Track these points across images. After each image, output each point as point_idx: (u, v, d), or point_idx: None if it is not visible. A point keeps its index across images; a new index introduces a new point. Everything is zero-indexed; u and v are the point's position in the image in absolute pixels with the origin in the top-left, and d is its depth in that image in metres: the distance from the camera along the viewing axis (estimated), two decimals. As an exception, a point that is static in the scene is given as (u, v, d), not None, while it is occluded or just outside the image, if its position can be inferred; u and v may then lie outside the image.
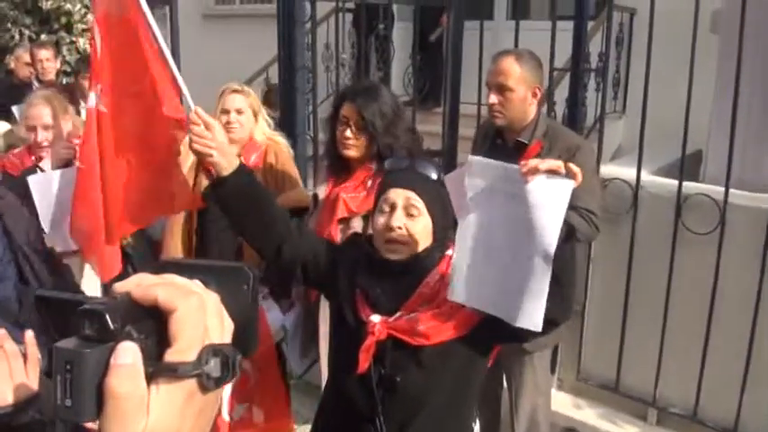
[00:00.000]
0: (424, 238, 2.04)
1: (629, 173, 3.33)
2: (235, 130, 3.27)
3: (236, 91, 3.35)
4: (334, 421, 2.24)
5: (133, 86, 2.65)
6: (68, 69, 6.61)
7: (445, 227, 2.10)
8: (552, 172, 1.74)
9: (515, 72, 2.83)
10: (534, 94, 2.87)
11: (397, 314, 2.01)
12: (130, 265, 3.63)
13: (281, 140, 3.45)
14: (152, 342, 0.61)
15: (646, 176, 3.32)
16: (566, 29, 3.58)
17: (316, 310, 2.98)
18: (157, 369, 0.60)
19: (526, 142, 2.85)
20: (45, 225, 2.91)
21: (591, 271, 3.49)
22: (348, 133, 2.72)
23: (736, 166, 3.06)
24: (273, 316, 3.17)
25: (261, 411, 3.18)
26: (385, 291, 2.03)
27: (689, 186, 3.18)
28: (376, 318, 2.01)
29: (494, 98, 2.86)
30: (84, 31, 6.76)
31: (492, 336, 2.01)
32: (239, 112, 3.30)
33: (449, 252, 2.06)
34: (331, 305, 2.29)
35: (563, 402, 3.52)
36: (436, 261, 2.05)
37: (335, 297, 2.20)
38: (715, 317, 3.09)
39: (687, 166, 3.23)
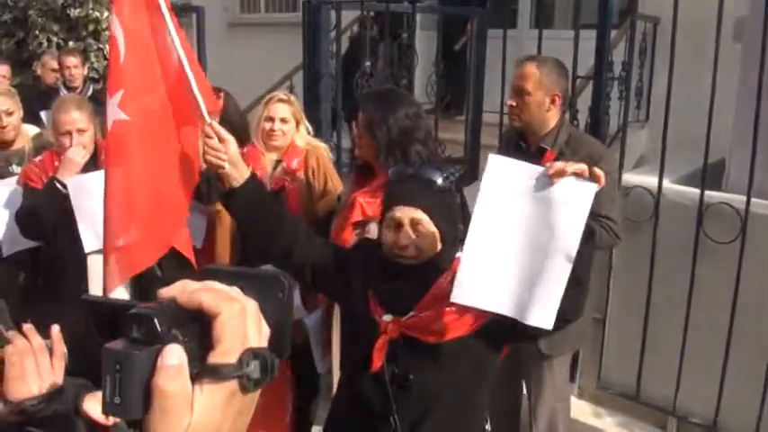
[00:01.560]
0: (433, 247, 2.09)
1: (650, 181, 3.33)
2: (278, 137, 3.41)
3: (281, 100, 3.47)
4: (348, 419, 2.29)
5: (156, 94, 2.68)
6: (96, 76, 6.70)
7: (453, 231, 2.15)
8: (577, 175, 1.78)
9: (534, 77, 2.88)
10: (553, 101, 2.90)
11: (410, 314, 2.05)
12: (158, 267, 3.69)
13: (322, 145, 3.56)
14: (195, 345, 0.65)
15: (667, 185, 3.32)
16: (590, 38, 3.60)
17: (329, 316, 3.03)
18: (202, 370, 0.64)
19: (548, 148, 2.88)
20: (81, 225, 3.06)
21: (612, 279, 3.49)
22: (355, 135, 2.79)
23: (758, 175, 3.06)
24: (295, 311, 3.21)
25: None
26: (397, 291, 2.08)
27: (710, 195, 3.17)
28: (388, 317, 2.06)
29: (512, 101, 2.94)
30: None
31: (502, 334, 2.05)
32: (284, 121, 3.43)
33: (459, 254, 2.10)
34: (342, 307, 2.36)
35: (583, 410, 3.52)
36: (449, 262, 2.09)
37: (347, 299, 2.26)
38: (736, 326, 3.08)
39: (710, 175, 3.23)
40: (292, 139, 3.49)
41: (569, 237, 1.80)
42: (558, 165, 1.80)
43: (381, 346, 2.06)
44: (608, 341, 3.51)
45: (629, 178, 3.44)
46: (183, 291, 0.66)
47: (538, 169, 1.84)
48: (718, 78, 3.15)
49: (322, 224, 3.37)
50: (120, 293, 3.40)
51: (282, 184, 3.44)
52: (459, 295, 1.93)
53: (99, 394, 1.41)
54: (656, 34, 5.34)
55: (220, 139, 2.18)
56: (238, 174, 2.19)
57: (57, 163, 3.26)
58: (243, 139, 3.58)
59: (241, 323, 0.66)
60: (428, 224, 2.05)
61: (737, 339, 3.09)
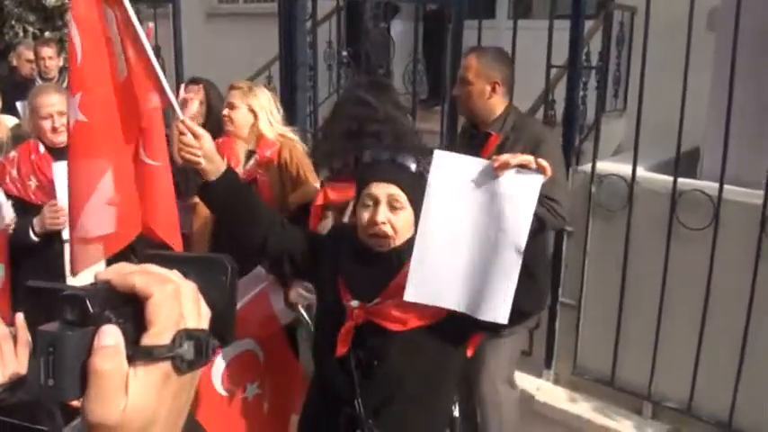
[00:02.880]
0: (407, 230, 2.11)
1: (625, 169, 3.36)
2: (228, 123, 3.41)
3: (232, 87, 3.48)
4: (317, 405, 2.34)
5: (110, 90, 2.69)
6: (72, 67, 6.64)
7: None
8: (522, 166, 1.79)
9: (474, 66, 3.03)
10: (494, 89, 3.03)
11: (375, 300, 2.08)
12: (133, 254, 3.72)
13: (294, 137, 3.56)
14: (130, 327, 0.65)
15: (642, 172, 3.35)
16: (564, 28, 3.62)
17: None
18: (135, 352, 0.64)
19: (493, 134, 3.01)
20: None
21: (586, 266, 3.52)
22: None
23: (731, 163, 3.09)
24: (277, 299, 3.22)
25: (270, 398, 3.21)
26: (366, 278, 2.11)
27: (684, 182, 3.21)
28: (355, 303, 2.09)
29: (456, 90, 3.11)
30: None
31: (464, 324, 2.05)
32: (231, 107, 3.43)
33: None
34: (317, 293, 2.39)
35: (559, 396, 3.56)
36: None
37: (319, 285, 2.31)
38: (709, 311, 3.12)
39: (685, 164, 3.27)
40: (260, 130, 3.49)
41: (517, 229, 1.81)
42: (503, 157, 1.81)
43: (346, 332, 2.09)
44: (583, 327, 3.54)
45: (604, 166, 3.47)
46: (118, 273, 0.66)
47: (483, 163, 1.85)
48: (694, 67, 3.18)
49: (297, 216, 3.38)
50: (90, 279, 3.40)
51: (254, 176, 3.45)
52: (412, 294, 1.94)
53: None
54: (633, 24, 5.37)
55: (195, 136, 2.19)
56: (214, 168, 2.20)
57: (33, 156, 3.24)
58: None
59: (175, 304, 0.66)
60: (405, 202, 2.08)
61: (711, 324, 3.13)
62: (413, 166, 2.12)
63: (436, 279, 1.91)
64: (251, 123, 3.46)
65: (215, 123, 3.76)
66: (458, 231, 1.89)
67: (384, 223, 2.06)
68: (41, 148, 3.23)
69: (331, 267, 2.21)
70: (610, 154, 4.59)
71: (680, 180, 3.19)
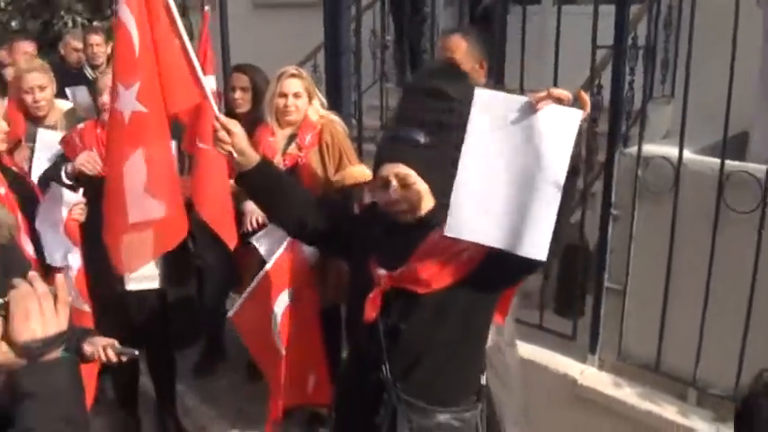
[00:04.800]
0: (426, 200, 2.21)
1: (671, 151, 3.32)
2: (292, 113, 3.47)
3: (293, 75, 3.53)
4: (348, 372, 2.51)
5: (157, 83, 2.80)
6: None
7: (444, 185, 2.18)
8: (560, 101, 1.81)
9: (462, 47, 3.10)
10: (481, 66, 3.16)
11: (402, 267, 2.16)
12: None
13: (336, 119, 3.60)
14: None
15: (688, 155, 3.30)
16: (610, 12, 3.57)
17: None
18: None
19: None
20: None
21: (632, 250, 3.49)
22: None
23: (780, 145, 3.04)
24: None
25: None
26: (394, 249, 2.20)
27: (731, 165, 3.15)
28: (382, 271, 2.19)
29: None
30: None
31: (492, 277, 2.12)
32: (296, 95, 3.50)
33: None
34: (349, 267, 2.53)
35: (603, 382, 3.54)
36: (442, 219, 2.14)
37: (351, 258, 2.43)
38: (756, 296, 3.07)
39: (734, 148, 3.21)
40: (306, 113, 3.54)
41: (556, 165, 1.83)
42: (542, 92, 1.83)
43: (374, 298, 2.19)
44: (628, 312, 3.50)
45: (650, 149, 3.42)
46: None
47: (522, 99, 1.88)
48: (744, 50, 3.12)
49: (344, 197, 3.43)
50: (150, 269, 3.50)
51: (296, 160, 3.49)
52: (453, 228, 1.97)
53: (96, 339, 2.04)
54: (681, 7, 5.27)
55: (228, 132, 2.28)
56: (247, 161, 2.31)
57: (99, 131, 3.42)
58: None
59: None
60: (414, 177, 2.16)
61: (758, 309, 3.08)
62: (420, 139, 2.16)
63: (476, 215, 1.94)
64: (306, 109, 3.52)
65: (261, 109, 3.83)
66: (498, 168, 1.92)
67: (398, 201, 2.17)
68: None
69: (362, 245, 2.31)
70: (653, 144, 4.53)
71: (727, 162, 3.14)
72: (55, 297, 1.38)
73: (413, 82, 2.78)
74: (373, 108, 4.73)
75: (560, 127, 1.83)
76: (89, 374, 3.29)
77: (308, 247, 3.25)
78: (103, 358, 2.35)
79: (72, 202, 3.22)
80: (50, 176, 3.39)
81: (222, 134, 2.28)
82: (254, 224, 3.50)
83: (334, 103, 3.99)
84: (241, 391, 4.36)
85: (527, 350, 3.69)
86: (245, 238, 3.53)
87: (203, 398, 4.37)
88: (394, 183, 2.17)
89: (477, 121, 1.91)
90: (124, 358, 2.39)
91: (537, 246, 1.87)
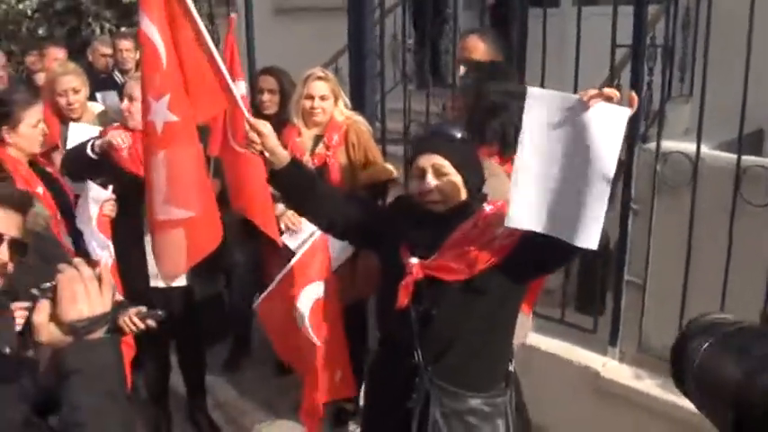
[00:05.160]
0: (457, 194, 2.31)
1: (688, 146, 3.39)
2: (319, 114, 3.57)
3: (319, 78, 3.63)
4: (380, 360, 2.58)
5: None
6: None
7: (476, 180, 2.35)
8: (609, 99, 1.91)
9: (480, 48, 3.21)
10: None
11: (434, 256, 2.26)
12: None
13: (360, 119, 3.70)
14: None
15: (706, 150, 3.37)
16: (628, 13, 3.63)
17: None
18: None
19: None
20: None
21: (651, 243, 3.56)
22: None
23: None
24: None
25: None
26: (425, 239, 2.30)
27: (748, 159, 3.22)
28: (414, 259, 2.28)
29: (462, 70, 3.20)
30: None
31: (520, 268, 2.24)
32: (323, 98, 3.60)
33: (485, 205, 2.27)
34: (379, 258, 2.59)
35: (624, 374, 3.60)
36: (473, 212, 2.26)
37: (383, 249, 2.50)
38: (774, 287, 3.13)
39: (749, 144, 3.27)
40: (332, 114, 3.64)
41: (606, 159, 1.94)
42: (592, 91, 1.93)
43: (407, 286, 2.28)
44: (648, 305, 3.57)
45: (669, 145, 3.50)
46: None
47: (573, 97, 1.98)
48: (761, 48, 3.18)
49: (371, 194, 3.54)
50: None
51: (324, 159, 3.60)
52: (513, 219, 2.09)
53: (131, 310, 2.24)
54: (698, 8, 5.33)
55: (258, 133, 2.38)
56: (278, 160, 2.41)
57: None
58: None
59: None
60: (449, 169, 2.26)
61: (776, 300, 3.14)
62: (458, 135, 2.29)
63: (532, 206, 2.06)
64: (332, 110, 3.62)
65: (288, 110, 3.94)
66: (552, 163, 2.03)
67: (431, 191, 2.27)
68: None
69: (392, 236, 2.40)
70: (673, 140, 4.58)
71: (744, 157, 3.21)
72: (99, 280, 1.46)
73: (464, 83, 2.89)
74: (394, 111, 4.82)
75: (610, 124, 1.93)
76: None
77: (336, 242, 3.36)
78: (132, 328, 2.41)
79: (102, 198, 3.34)
80: (76, 152, 3.49)
81: (252, 135, 2.38)
82: (289, 225, 3.60)
83: (358, 105, 4.09)
84: (270, 385, 4.46)
85: (549, 344, 3.77)
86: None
87: (233, 392, 4.47)
88: (430, 173, 2.26)
89: (531, 118, 2.03)
90: (151, 322, 2.43)
91: (589, 236, 2.00)
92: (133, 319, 2.40)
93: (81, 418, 1.36)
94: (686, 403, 3.30)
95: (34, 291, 1.44)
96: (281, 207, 3.63)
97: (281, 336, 3.48)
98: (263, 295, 3.47)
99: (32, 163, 3.33)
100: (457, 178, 2.28)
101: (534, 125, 2.02)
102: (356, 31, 4.10)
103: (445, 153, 2.27)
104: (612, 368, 3.62)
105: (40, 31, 7.16)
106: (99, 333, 1.44)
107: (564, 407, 3.66)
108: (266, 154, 2.39)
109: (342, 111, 3.68)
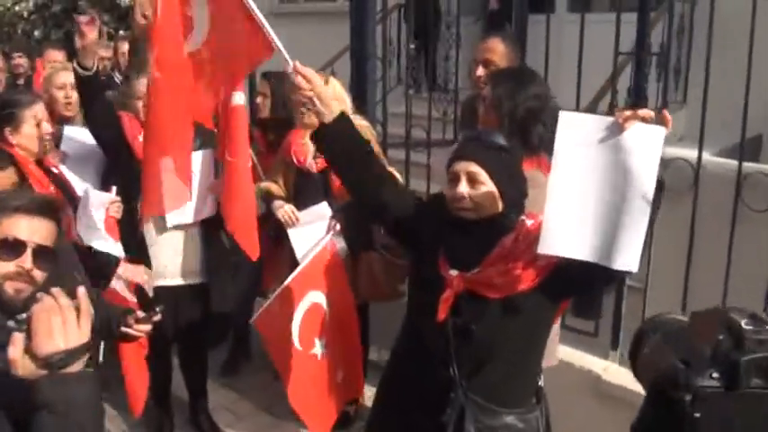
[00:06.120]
0: (492, 205, 2.22)
1: (690, 153, 3.42)
2: (304, 114, 3.55)
3: None
4: (410, 363, 2.45)
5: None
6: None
7: (515, 192, 2.27)
8: (644, 119, 1.91)
9: (500, 49, 3.18)
10: None
11: (475, 270, 2.19)
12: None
13: (363, 123, 3.69)
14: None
15: (707, 157, 3.41)
16: (626, 21, 3.67)
17: None
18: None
19: None
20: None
21: (652, 248, 3.58)
22: None
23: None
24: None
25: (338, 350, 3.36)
26: (464, 247, 2.23)
27: (748, 166, 3.27)
28: (454, 272, 2.21)
29: (480, 71, 3.20)
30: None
31: (562, 288, 2.20)
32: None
33: (524, 217, 2.24)
34: (412, 256, 2.51)
35: (625, 377, 3.61)
36: (513, 224, 2.22)
37: (418, 249, 2.41)
38: (774, 291, 3.17)
39: (748, 150, 3.31)
40: None
41: (644, 180, 1.93)
42: (627, 112, 1.94)
43: (447, 299, 2.20)
44: (649, 310, 3.60)
45: (669, 151, 3.52)
46: None
47: (607, 119, 1.97)
48: (757, 55, 3.23)
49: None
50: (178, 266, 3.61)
51: (327, 164, 3.60)
52: (546, 246, 2.05)
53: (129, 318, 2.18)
54: (693, 15, 5.38)
55: (306, 79, 2.28)
56: (328, 111, 2.30)
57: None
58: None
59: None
60: (485, 179, 2.19)
61: (776, 304, 3.18)
62: (500, 142, 2.23)
63: (568, 232, 2.03)
64: None
65: (285, 113, 3.95)
66: (587, 186, 2.00)
67: (464, 198, 2.20)
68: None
69: (431, 235, 2.33)
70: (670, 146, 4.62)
71: (744, 164, 3.25)
72: (77, 310, 1.41)
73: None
74: (394, 115, 4.83)
75: (646, 144, 1.93)
76: (140, 365, 3.40)
77: (340, 246, 3.36)
78: (137, 334, 2.38)
79: (106, 201, 3.34)
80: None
81: (300, 80, 2.27)
82: (286, 220, 3.59)
83: (359, 109, 4.11)
84: (269, 389, 4.45)
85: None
86: (276, 236, 3.65)
87: (232, 396, 4.47)
88: (464, 180, 2.20)
89: (564, 142, 2.01)
90: (155, 319, 2.38)
91: (630, 258, 1.97)
92: (135, 327, 2.38)
93: None
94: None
95: (10, 323, 1.40)
96: (279, 201, 3.64)
97: (279, 347, 3.44)
98: (261, 308, 3.45)
99: (39, 163, 3.31)
100: (492, 189, 2.20)
101: (567, 149, 2.00)
102: (359, 35, 4.12)
103: (482, 161, 2.19)
104: (614, 372, 3.64)
105: (36, 33, 7.11)
106: (76, 366, 1.38)
107: (565, 410, 3.66)
108: (316, 102, 2.27)
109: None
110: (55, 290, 1.41)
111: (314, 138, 2.43)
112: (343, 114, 2.34)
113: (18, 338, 1.34)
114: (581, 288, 2.32)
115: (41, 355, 1.34)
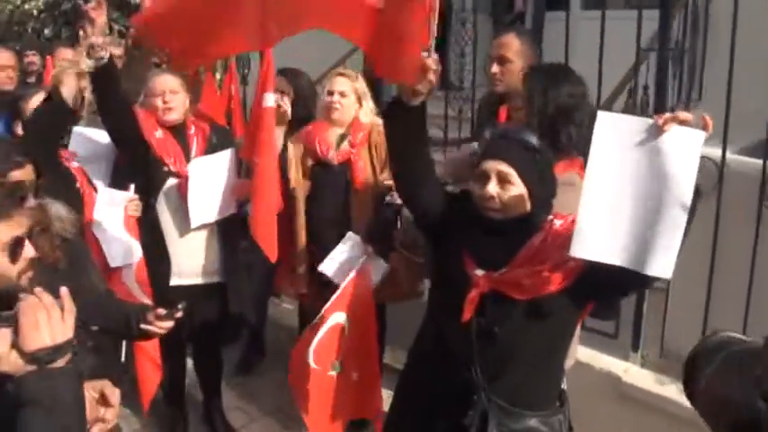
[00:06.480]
0: (520, 206, 2.18)
1: (713, 152, 3.37)
2: (336, 110, 3.55)
3: (341, 74, 3.61)
4: (430, 364, 2.42)
5: None
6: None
7: (545, 193, 2.23)
8: (684, 122, 1.86)
9: (515, 45, 3.14)
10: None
11: (502, 270, 2.15)
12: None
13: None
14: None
15: (730, 155, 3.35)
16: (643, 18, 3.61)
17: None
18: None
19: None
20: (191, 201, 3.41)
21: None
22: None
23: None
24: (376, 269, 3.37)
25: (354, 372, 3.30)
26: (490, 247, 2.19)
27: (771, 165, 3.21)
28: (480, 271, 2.17)
29: (495, 68, 3.18)
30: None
31: (590, 292, 2.16)
32: (342, 94, 3.57)
33: (554, 219, 2.19)
34: (436, 253, 2.45)
35: (646, 379, 3.58)
36: (540, 225, 2.18)
37: (441, 247, 2.37)
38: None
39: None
40: (357, 114, 3.62)
41: (682, 185, 1.88)
42: (666, 115, 1.89)
43: (473, 299, 2.17)
44: (671, 310, 3.55)
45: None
46: None
47: (646, 121, 1.93)
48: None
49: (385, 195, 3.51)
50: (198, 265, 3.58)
51: (348, 156, 3.58)
52: (579, 249, 2.01)
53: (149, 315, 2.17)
54: (708, 12, 5.32)
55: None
56: (424, 89, 2.12)
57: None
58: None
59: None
60: (515, 179, 2.14)
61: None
62: (533, 142, 2.18)
63: (601, 236, 1.98)
64: (355, 110, 3.58)
65: (305, 109, 3.91)
66: (623, 189, 1.96)
67: (492, 198, 2.15)
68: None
69: (457, 231, 2.29)
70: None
71: (768, 162, 3.20)
72: (61, 308, 1.45)
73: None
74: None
75: (685, 148, 1.89)
76: (154, 363, 3.37)
77: (375, 267, 3.31)
78: (157, 331, 2.34)
79: (124, 200, 3.30)
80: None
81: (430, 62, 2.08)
82: None
83: (375, 103, 4.06)
84: (284, 389, 4.40)
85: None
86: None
87: (245, 395, 4.43)
88: (494, 180, 2.15)
89: (601, 143, 1.97)
90: (178, 314, 2.34)
91: (664, 265, 1.94)
92: (155, 323, 2.34)
93: None
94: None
95: None
96: None
97: (296, 367, 3.38)
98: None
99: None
100: (522, 190, 2.16)
101: (604, 150, 1.96)
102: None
103: (514, 161, 2.14)
104: (634, 373, 3.60)
105: (46, 32, 7.07)
106: (61, 362, 1.41)
107: (585, 413, 3.62)
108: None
109: (367, 113, 3.65)
110: (38, 289, 1.46)
111: (386, 113, 2.32)
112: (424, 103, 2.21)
113: (5, 334, 1.38)
114: (609, 293, 2.29)
115: (29, 350, 1.38)
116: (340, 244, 3.45)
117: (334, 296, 3.24)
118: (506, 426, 2.21)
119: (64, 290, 1.48)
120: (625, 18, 3.56)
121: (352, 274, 3.27)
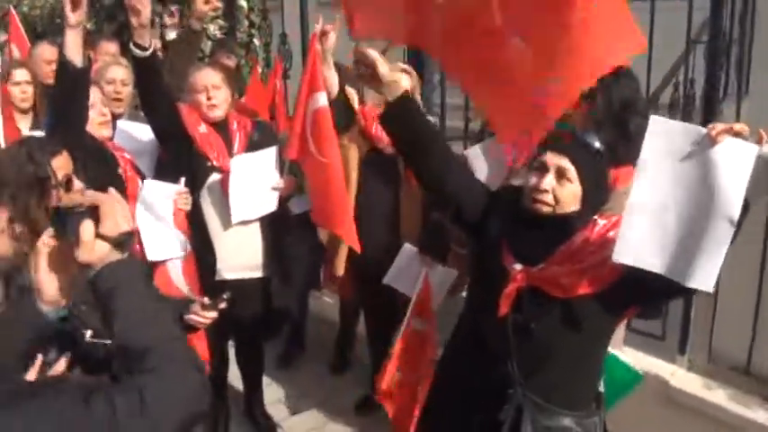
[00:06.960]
0: (571, 203, 2.15)
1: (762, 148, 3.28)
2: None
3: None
4: (466, 358, 2.41)
5: None
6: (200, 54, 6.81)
7: (597, 196, 2.20)
8: (738, 134, 1.81)
9: None
10: None
11: (540, 266, 2.14)
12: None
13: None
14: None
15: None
16: (682, 8, 3.53)
17: None
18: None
19: None
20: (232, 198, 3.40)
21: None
22: None
23: None
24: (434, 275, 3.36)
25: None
26: (530, 242, 2.17)
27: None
28: (518, 266, 2.15)
29: None
30: (214, 18, 6.88)
31: (629, 297, 2.14)
32: None
33: (597, 219, 2.16)
34: (474, 247, 2.45)
35: (694, 383, 3.51)
36: (584, 224, 2.15)
37: (481, 241, 2.34)
38: None
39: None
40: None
41: (731, 199, 1.83)
42: (721, 125, 1.84)
43: (510, 294, 2.16)
44: (719, 314, 3.48)
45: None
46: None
47: (700, 130, 1.88)
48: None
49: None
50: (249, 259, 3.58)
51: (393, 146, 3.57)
52: (622, 254, 1.98)
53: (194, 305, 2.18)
54: (755, 5, 5.19)
55: (365, 56, 2.27)
56: (389, 92, 2.26)
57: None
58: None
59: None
60: (573, 177, 2.12)
61: None
62: (596, 145, 2.16)
63: (645, 242, 1.96)
64: None
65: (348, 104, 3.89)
66: (670, 198, 1.93)
67: (547, 192, 2.13)
68: None
69: (497, 225, 2.27)
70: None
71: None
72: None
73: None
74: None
75: (737, 161, 1.84)
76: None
77: (438, 277, 3.30)
78: (204, 321, 2.34)
79: (172, 193, 3.31)
80: None
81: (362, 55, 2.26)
82: None
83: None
84: (325, 383, 4.44)
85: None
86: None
87: (286, 389, 4.46)
88: (552, 173, 2.13)
89: (652, 149, 1.93)
90: (222, 305, 2.34)
91: (705, 278, 1.90)
92: (200, 313, 2.33)
93: (134, 322, 1.43)
94: (758, 417, 3.25)
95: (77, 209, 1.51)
96: None
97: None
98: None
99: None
100: (578, 189, 2.13)
101: (654, 156, 1.93)
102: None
103: (575, 159, 2.12)
104: (682, 377, 3.54)
105: (89, 26, 7.06)
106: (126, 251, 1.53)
107: (631, 417, 3.57)
108: (384, 74, 2.24)
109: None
110: (110, 190, 1.59)
111: (380, 118, 2.38)
112: (407, 92, 2.29)
113: (89, 224, 1.47)
114: (649, 299, 2.26)
115: (115, 234, 1.48)
116: (398, 257, 3.47)
117: (408, 314, 3.28)
118: (540, 422, 2.20)
119: (112, 190, 1.58)
120: (668, 10, 3.47)
121: (418, 287, 3.28)
